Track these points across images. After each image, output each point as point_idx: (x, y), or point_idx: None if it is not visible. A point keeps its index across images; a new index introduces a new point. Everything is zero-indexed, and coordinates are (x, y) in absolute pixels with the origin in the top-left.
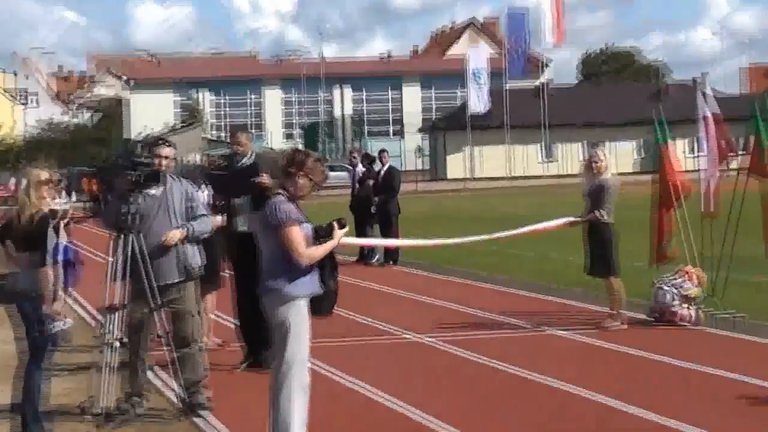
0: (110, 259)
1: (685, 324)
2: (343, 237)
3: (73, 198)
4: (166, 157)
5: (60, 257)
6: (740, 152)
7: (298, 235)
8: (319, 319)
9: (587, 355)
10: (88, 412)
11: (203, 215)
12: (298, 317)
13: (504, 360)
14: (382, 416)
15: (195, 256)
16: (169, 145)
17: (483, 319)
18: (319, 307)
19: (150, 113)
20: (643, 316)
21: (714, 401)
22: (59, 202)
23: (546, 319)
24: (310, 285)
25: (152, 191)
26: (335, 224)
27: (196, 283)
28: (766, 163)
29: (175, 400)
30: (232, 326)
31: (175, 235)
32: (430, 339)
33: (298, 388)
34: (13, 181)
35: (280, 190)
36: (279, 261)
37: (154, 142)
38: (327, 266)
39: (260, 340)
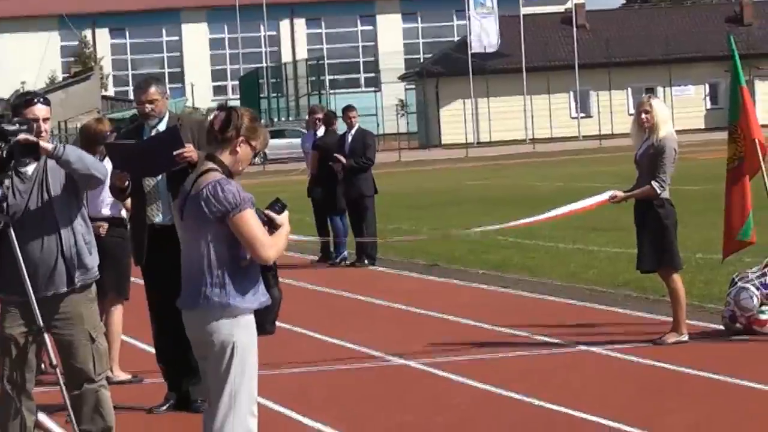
0: None
1: None
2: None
3: None
4: (44, 119)
5: None
6: None
7: (258, 222)
8: (262, 337)
9: (638, 380)
10: None
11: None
12: (246, 338)
13: (521, 389)
14: None
15: (87, 254)
16: (44, 102)
17: (493, 335)
18: (265, 322)
19: (23, 62)
20: (714, 326)
21: None
22: None
23: (580, 332)
24: (260, 294)
25: (26, 169)
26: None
27: (95, 292)
28: None
29: None
30: (148, 352)
31: (44, 146)
32: (421, 364)
33: None
34: None
35: (210, 165)
36: (222, 262)
37: (21, 101)
38: (273, 268)
39: (187, 370)
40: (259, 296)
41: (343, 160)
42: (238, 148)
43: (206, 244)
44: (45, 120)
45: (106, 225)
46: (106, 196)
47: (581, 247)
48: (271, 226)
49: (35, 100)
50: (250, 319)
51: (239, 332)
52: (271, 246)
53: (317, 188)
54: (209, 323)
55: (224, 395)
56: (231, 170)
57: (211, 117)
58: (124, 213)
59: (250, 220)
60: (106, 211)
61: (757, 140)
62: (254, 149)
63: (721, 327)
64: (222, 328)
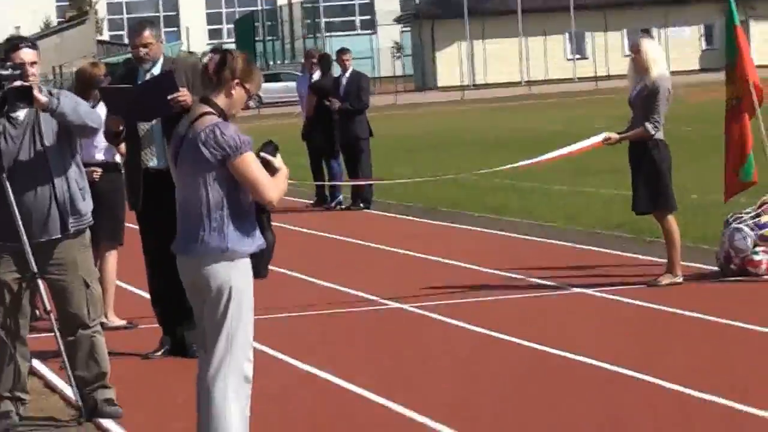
0: None
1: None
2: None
3: None
4: (32, 63)
5: None
6: None
7: (259, 164)
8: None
9: (633, 322)
10: None
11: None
12: (243, 282)
13: (517, 332)
14: (349, 413)
15: (80, 200)
16: (31, 46)
17: (490, 278)
18: (259, 266)
19: (17, 8)
20: (710, 267)
21: None
22: None
23: (576, 274)
24: (257, 237)
25: (17, 114)
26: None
27: (88, 237)
28: None
29: (70, 400)
30: (143, 298)
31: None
32: (415, 307)
33: (238, 381)
34: None
35: (205, 108)
36: (221, 206)
37: (8, 46)
38: (266, 210)
39: (182, 316)
40: (257, 240)
41: (338, 103)
42: (232, 91)
43: (204, 188)
44: (32, 64)
45: (99, 170)
46: (100, 141)
47: (577, 189)
48: (268, 169)
49: (20, 45)
50: (247, 262)
51: (237, 276)
52: (274, 188)
53: (313, 131)
54: (206, 267)
55: (221, 340)
56: (226, 113)
57: (205, 59)
58: (118, 158)
59: (251, 163)
60: (99, 156)
61: (751, 81)
62: (249, 92)
63: (716, 268)
64: (220, 272)
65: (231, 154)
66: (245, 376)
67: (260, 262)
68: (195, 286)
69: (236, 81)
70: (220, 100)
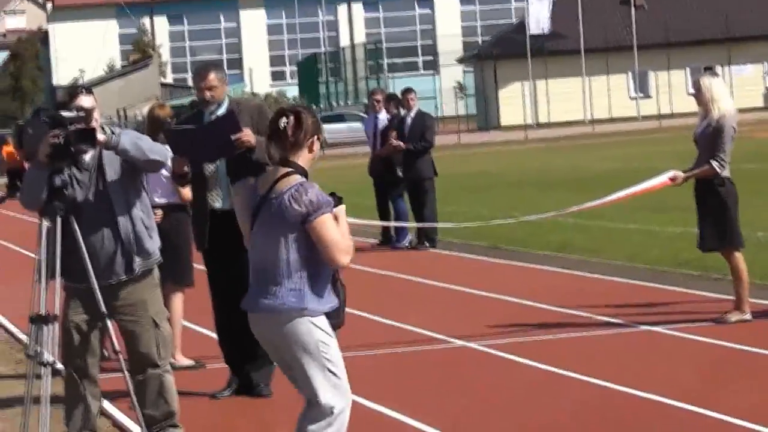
0: (36, 255)
1: None
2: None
3: None
4: (91, 109)
5: None
6: None
7: (335, 226)
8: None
9: (701, 360)
10: None
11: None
12: (322, 335)
13: (583, 370)
14: None
15: (148, 239)
16: (87, 92)
17: (555, 316)
18: (334, 318)
19: (82, 50)
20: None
21: None
22: None
23: (642, 312)
24: (332, 297)
25: (84, 157)
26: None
27: (158, 278)
28: None
29: None
30: (211, 338)
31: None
32: (483, 345)
33: (339, 427)
34: None
35: (288, 169)
36: (299, 266)
37: (69, 93)
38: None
39: (248, 356)
40: (331, 298)
41: (402, 144)
42: (313, 147)
43: (285, 248)
44: (91, 109)
45: (159, 212)
46: (157, 185)
47: (642, 227)
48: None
49: (78, 91)
50: (325, 320)
51: (320, 334)
52: (347, 251)
53: (381, 167)
54: (285, 326)
55: (322, 401)
56: (307, 170)
57: (281, 124)
58: (177, 199)
59: (329, 224)
60: (159, 200)
61: None
62: (322, 142)
63: None
64: (298, 330)
65: (312, 213)
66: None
67: (339, 317)
68: (272, 343)
69: (314, 137)
70: (302, 158)
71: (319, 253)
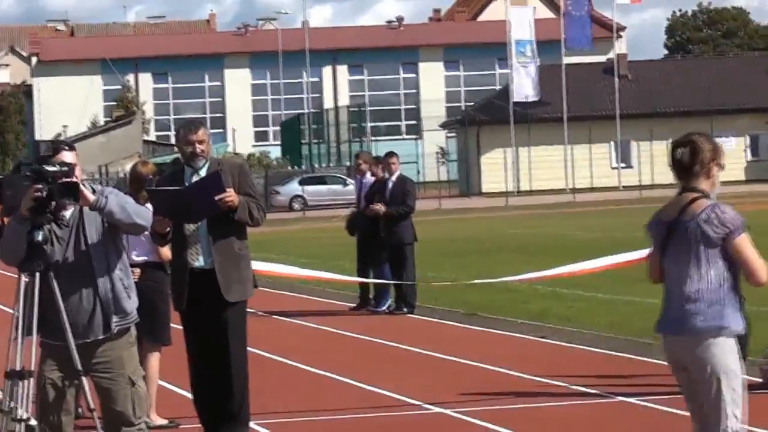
0: (14, 309)
1: None
2: None
3: None
4: (73, 164)
5: None
6: None
7: (752, 246)
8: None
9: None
10: None
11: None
12: (735, 362)
13: None
14: None
15: (126, 299)
16: (69, 149)
17: (531, 384)
18: (743, 344)
19: (66, 105)
20: (754, 378)
21: None
22: None
23: (619, 383)
24: (743, 316)
25: (64, 213)
26: None
27: (134, 336)
28: None
29: None
30: (185, 397)
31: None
32: (457, 412)
33: None
34: None
35: (694, 194)
36: (719, 282)
37: (51, 148)
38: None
39: (224, 417)
40: (742, 319)
41: (383, 208)
42: (712, 172)
43: (706, 267)
44: (73, 165)
45: (138, 271)
46: (136, 244)
47: (621, 298)
48: None
49: (61, 147)
50: (734, 342)
51: (731, 356)
52: (764, 269)
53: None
54: (702, 345)
55: (721, 419)
56: (710, 195)
57: (678, 155)
58: (156, 258)
59: (748, 243)
60: (137, 258)
61: None
62: (721, 167)
63: (760, 379)
64: (716, 352)
65: (733, 231)
66: None
67: (744, 342)
68: (681, 363)
69: (714, 162)
70: (702, 183)
71: (736, 270)
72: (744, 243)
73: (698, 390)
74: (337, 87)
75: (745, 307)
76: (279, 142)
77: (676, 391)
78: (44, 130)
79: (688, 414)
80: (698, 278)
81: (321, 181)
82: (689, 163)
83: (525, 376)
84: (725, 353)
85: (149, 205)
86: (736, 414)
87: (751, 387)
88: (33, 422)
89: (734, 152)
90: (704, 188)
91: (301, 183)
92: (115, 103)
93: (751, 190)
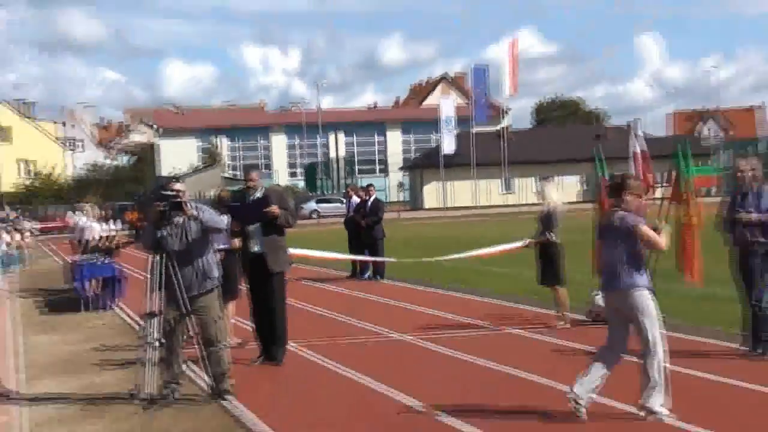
0: (148, 275)
1: None
2: None
3: (118, 227)
4: (181, 191)
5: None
6: (664, 184)
7: (649, 230)
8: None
9: (537, 349)
10: (136, 398)
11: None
12: (648, 302)
13: (471, 353)
14: (364, 395)
15: (213, 270)
16: (177, 181)
17: (455, 322)
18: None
19: (176, 156)
20: (582, 317)
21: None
22: (110, 228)
23: (506, 321)
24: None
25: (176, 220)
26: None
27: (219, 292)
28: (682, 192)
29: (205, 387)
30: (249, 328)
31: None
32: (410, 337)
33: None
34: (70, 214)
35: (619, 207)
36: (629, 258)
37: (167, 180)
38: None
39: (272, 340)
40: (648, 279)
41: (363, 223)
42: (627, 197)
43: (622, 248)
44: (182, 191)
45: (219, 254)
46: (218, 238)
47: (508, 270)
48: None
49: (173, 180)
50: (648, 293)
51: (647, 301)
52: (661, 241)
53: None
54: (628, 296)
55: (651, 338)
56: (632, 209)
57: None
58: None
59: (647, 229)
60: (220, 246)
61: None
62: (639, 197)
63: (585, 318)
64: (636, 299)
65: (636, 225)
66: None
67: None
68: (618, 310)
69: (627, 192)
70: (622, 203)
71: (641, 249)
72: (644, 229)
73: (634, 323)
74: (337, 145)
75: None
76: (303, 178)
77: (540, 324)
78: (163, 170)
79: (549, 339)
80: (619, 254)
81: (328, 201)
82: (618, 191)
83: (446, 315)
84: (642, 299)
85: (225, 217)
86: (655, 335)
87: (583, 322)
88: (162, 340)
89: (573, 185)
90: (630, 204)
91: (317, 202)
92: (206, 155)
93: (582, 207)
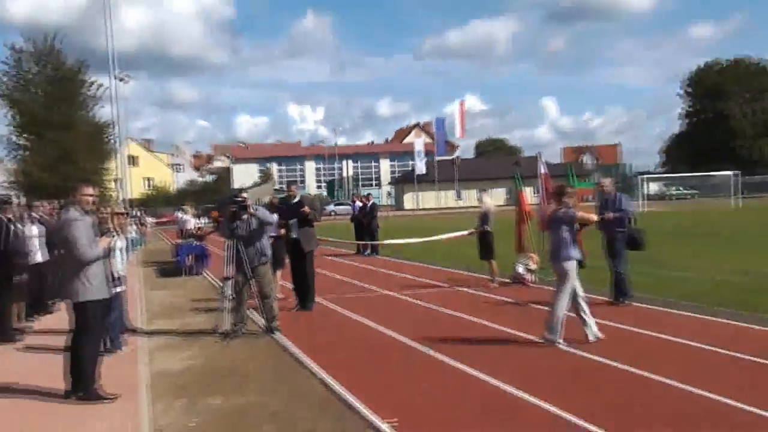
0: (225, 253)
1: (528, 284)
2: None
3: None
4: (247, 198)
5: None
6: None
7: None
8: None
9: (476, 300)
10: (216, 331)
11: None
12: (572, 267)
13: (433, 303)
14: (363, 330)
15: (267, 250)
16: (245, 192)
17: (424, 283)
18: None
19: (243, 176)
20: (507, 280)
21: (526, 316)
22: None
23: (457, 282)
24: (576, 252)
25: (243, 217)
26: None
27: (270, 264)
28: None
29: (261, 326)
30: (290, 288)
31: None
32: (393, 293)
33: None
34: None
35: (559, 206)
36: (568, 238)
37: (237, 192)
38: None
39: (304, 296)
40: (578, 253)
41: (364, 219)
42: (566, 199)
43: (563, 231)
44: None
45: (270, 240)
46: (270, 229)
47: (457, 249)
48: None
49: (241, 191)
50: (575, 264)
51: (573, 271)
52: (592, 217)
53: (358, 221)
54: (562, 266)
55: (563, 293)
56: (572, 205)
57: (558, 191)
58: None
59: (581, 213)
60: (272, 234)
61: (524, 211)
62: (572, 198)
63: (510, 280)
64: (563, 267)
65: (574, 215)
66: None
67: (581, 266)
68: (557, 272)
69: (567, 196)
70: (562, 204)
71: (574, 232)
72: (581, 214)
73: (558, 284)
74: (348, 169)
75: (581, 248)
76: (326, 190)
77: (481, 285)
78: (235, 185)
79: (485, 294)
80: (559, 237)
81: (341, 204)
82: (560, 195)
83: (418, 278)
84: (570, 266)
85: (275, 215)
86: (574, 286)
87: (508, 283)
88: (233, 295)
89: (500, 194)
90: (566, 204)
91: (335, 205)
92: (262, 175)
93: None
